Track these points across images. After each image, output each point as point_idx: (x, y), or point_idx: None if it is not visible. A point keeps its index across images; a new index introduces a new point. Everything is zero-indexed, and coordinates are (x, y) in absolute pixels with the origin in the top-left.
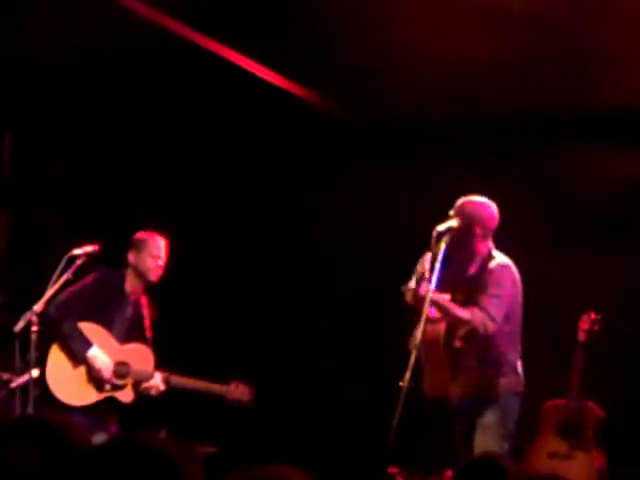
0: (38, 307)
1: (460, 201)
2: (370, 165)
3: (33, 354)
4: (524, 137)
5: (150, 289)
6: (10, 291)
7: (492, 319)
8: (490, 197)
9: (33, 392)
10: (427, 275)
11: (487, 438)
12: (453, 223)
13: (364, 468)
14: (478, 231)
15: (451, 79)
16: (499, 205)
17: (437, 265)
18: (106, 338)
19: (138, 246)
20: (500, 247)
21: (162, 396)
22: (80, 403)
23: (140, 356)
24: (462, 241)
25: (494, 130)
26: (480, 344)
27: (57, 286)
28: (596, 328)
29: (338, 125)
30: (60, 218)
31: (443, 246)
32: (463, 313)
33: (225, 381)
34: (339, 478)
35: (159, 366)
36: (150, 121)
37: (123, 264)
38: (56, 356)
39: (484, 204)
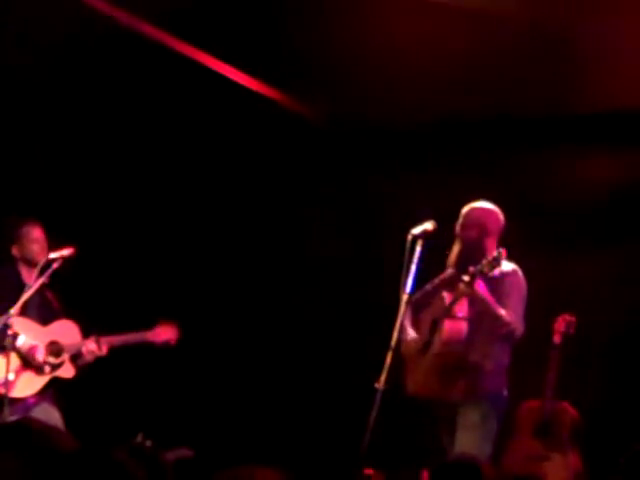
0: (15, 311)
1: (467, 209)
2: (355, 172)
3: (10, 357)
4: (507, 140)
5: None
6: None
7: (522, 322)
8: (474, 200)
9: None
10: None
11: (468, 437)
12: (428, 226)
13: (340, 469)
14: (487, 235)
15: (436, 83)
16: None
17: (412, 267)
18: (29, 325)
19: (17, 237)
20: None
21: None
22: (28, 393)
23: (66, 331)
24: (473, 246)
25: (480, 133)
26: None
27: (34, 289)
28: (571, 330)
29: (322, 133)
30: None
31: (418, 249)
32: (504, 313)
33: (149, 327)
34: (315, 479)
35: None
36: (131, 129)
37: (9, 260)
38: None
39: (490, 209)
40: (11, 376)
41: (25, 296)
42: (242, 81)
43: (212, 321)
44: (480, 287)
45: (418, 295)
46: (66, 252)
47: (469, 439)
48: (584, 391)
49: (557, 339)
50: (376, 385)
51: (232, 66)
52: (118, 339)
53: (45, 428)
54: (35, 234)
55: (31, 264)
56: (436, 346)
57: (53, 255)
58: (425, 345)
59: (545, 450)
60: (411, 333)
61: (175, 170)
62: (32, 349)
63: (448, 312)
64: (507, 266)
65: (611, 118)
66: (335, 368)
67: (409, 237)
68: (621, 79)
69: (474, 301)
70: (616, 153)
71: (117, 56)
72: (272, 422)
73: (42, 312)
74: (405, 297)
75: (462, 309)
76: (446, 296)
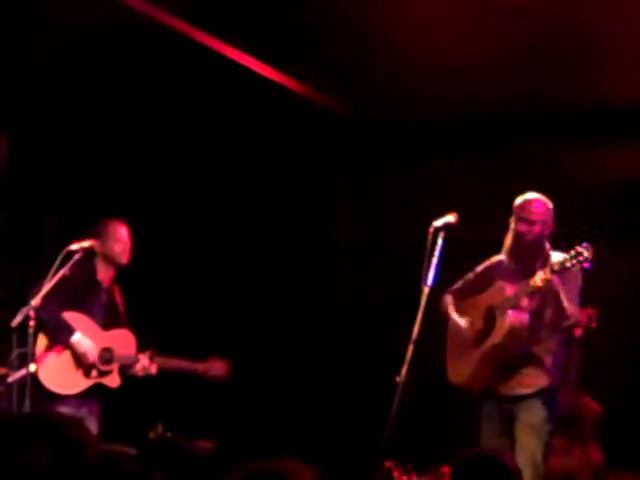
0: (35, 302)
1: (529, 202)
2: (371, 161)
3: (30, 349)
4: (524, 133)
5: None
6: (7, 286)
7: (580, 314)
8: (490, 193)
9: (30, 387)
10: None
11: (534, 437)
12: (450, 218)
13: (361, 462)
14: (547, 230)
15: (452, 75)
16: (499, 200)
17: (434, 260)
18: (89, 325)
19: (101, 233)
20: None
21: (151, 380)
22: (71, 392)
23: (123, 341)
24: (536, 241)
25: (503, 126)
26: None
27: (54, 281)
28: (593, 324)
29: (339, 122)
30: (56, 214)
31: (440, 241)
32: (570, 307)
33: (202, 359)
34: (336, 472)
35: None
36: (146, 118)
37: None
38: (41, 343)
39: (548, 203)
40: (32, 367)
41: (46, 288)
42: (266, 73)
43: (236, 313)
44: (555, 281)
45: (461, 284)
46: (87, 244)
47: (532, 438)
48: (605, 385)
49: (579, 332)
50: (396, 378)
51: (256, 58)
52: (170, 363)
53: (66, 420)
54: (120, 234)
55: (110, 262)
56: (495, 336)
57: (74, 247)
58: (481, 334)
59: (566, 444)
60: (459, 319)
61: (198, 165)
62: (86, 351)
63: (514, 304)
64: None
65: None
66: (356, 361)
67: (431, 229)
68: None
69: (537, 294)
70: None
71: (140, 48)
72: (293, 414)
73: (106, 314)
74: (426, 290)
75: (524, 301)
76: (506, 286)
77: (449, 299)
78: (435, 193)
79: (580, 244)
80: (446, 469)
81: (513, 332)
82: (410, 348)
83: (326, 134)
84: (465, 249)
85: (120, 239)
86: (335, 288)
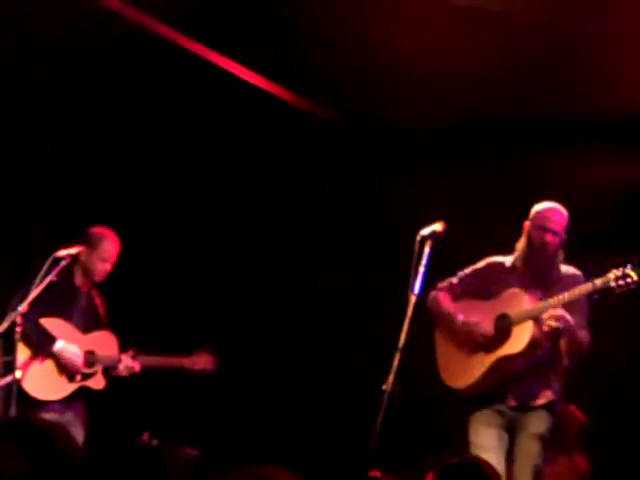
0: (22, 308)
1: (551, 211)
2: (367, 171)
3: (17, 355)
4: (520, 141)
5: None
6: None
7: (590, 333)
8: (483, 202)
9: (16, 393)
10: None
11: (539, 446)
12: (437, 227)
13: (347, 472)
14: (563, 242)
15: (450, 84)
16: (488, 210)
17: (421, 269)
18: (69, 330)
19: (91, 244)
20: (487, 251)
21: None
22: (55, 397)
23: (105, 342)
24: (554, 253)
25: (492, 135)
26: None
27: (41, 287)
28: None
29: (335, 132)
30: (44, 221)
31: (427, 250)
32: (583, 336)
33: (187, 353)
34: None
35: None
36: (136, 124)
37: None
38: (23, 354)
39: (566, 214)
40: (18, 374)
41: (33, 294)
42: (255, 81)
43: (222, 319)
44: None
45: (454, 282)
46: (74, 251)
47: (537, 446)
48: (591, 394)
49: None
50: (383, 387)
51: (246, 66)
52: (154, 360)
53: (49, 426)
54: (109, 254)
55: (87, 275)
56: (514, 346)
57: (61, 253)
58: (491, 341)
59: (552, 453)
60: (457, 316)
61: (189, 173)
62: (72, 359)
63: (536, 315)
64: (572, 270)
65: (622, 122)
66: (342, 369)
67: (418, 238)
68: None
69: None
70: (628, 155)
71: (130, 56)
72: (279, 423)
73: (87, 317)
74: (413, 298)
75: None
76: (525, 295)
77: (444, 298)
78: (426, 201)
79: (626, 265)
80: (431, 478)
81: (534, 344)
82: (397, 356)
83: (318, 141)
84: (455, 256)
85: (107, 260)
86: (323, 291)
